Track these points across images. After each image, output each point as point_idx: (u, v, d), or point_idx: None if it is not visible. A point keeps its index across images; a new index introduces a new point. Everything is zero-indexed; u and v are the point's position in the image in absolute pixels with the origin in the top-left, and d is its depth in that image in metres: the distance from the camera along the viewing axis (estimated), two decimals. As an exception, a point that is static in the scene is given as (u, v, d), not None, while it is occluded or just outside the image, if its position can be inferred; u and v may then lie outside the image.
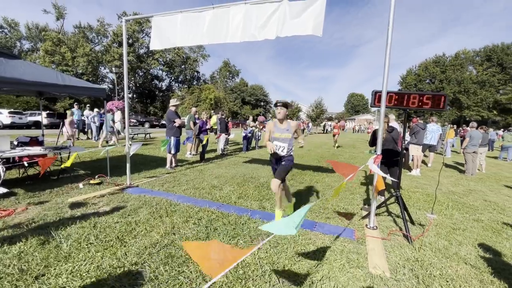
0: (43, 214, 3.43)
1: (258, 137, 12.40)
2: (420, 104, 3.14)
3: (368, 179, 6.41)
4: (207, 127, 8.99)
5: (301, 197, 4.65)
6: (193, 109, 8.56)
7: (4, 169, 4.16)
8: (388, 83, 3.07)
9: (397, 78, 59.68)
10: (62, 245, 2.65)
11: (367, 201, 4.58)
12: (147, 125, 27.31)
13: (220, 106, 43.14)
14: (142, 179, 5.52)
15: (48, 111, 23.24)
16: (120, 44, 40.09)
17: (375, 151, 3.28)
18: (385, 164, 4.54)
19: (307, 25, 3.29)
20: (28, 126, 19.84)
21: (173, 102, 6.72)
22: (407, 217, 3.28)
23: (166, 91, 51.03)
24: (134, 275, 2.23)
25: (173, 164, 6.74)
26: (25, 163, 4.92)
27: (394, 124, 5.56)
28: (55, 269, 2.27)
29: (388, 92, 3.15)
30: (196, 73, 54.17)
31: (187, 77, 52.73)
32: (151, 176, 5.81)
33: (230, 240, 2.91)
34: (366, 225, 3.40)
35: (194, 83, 52.68)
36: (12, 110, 20.50)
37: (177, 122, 6.53)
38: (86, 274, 2.20)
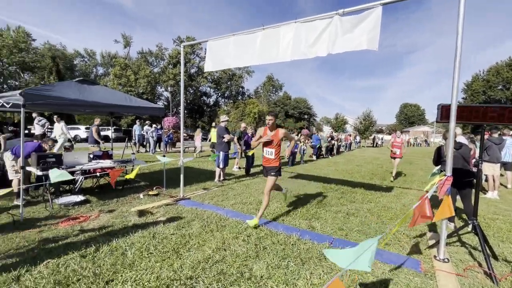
0: (111, 222, 3.84)
1: (303, 151, 12.17)
2: (502, 118, 2.70)
3: (433, 201, 5.69)
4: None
5: (354, 219, 4.34)
6: (243, 124, 8.85)
7: (83, 179, 4.81)
8: (457, 95, 2.74)
9: (460, 85, 53.26)
10: (127, 253, 2.90)
11: (432, 227, 4.05)
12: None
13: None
14: (193, 191, 5.82)
15: (115, 127, 26.50)
16: (175, 66, 44.25)
17: (440, 171, 2.91)
18: (453, 186, 3.98)
19: (361, 39, 3.18)
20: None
21: (223, 118, 7.06)
22: (488, 251, 2.78)
23: (213, 106, 54.08)
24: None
25: (221, 178, 6.98)
26: (98, 174, 5.63)
27: (461, 139, 4.90)
28: (121, 276, 2.48)
29: (460, 106, 2.80)
30: (241, 89, 56.41)
31: (232, 92, 55.22)
32: (201, 188, 6.10)
33: (280, 261, 2.83)
34: (435, 256, 2.98)
35: (239, 98, 54.80)
36: (87, 126, 23.99)
37: (226, 137, 6.81)
38: (147, 284, 2.35)
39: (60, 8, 68.73)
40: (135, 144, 13.84)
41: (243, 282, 2.42)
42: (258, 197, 5.50)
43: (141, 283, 2.36)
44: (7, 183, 4.70)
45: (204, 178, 7.31)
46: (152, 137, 13.32)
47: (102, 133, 24.50)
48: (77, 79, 5.30)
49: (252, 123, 40.00)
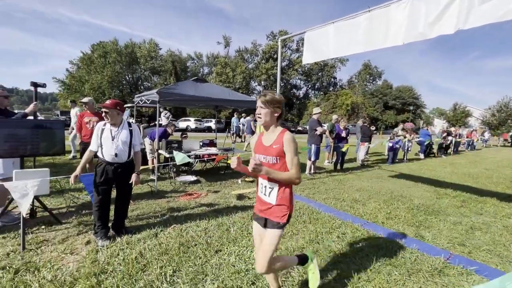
0: (217, 201, 4.45)
1: (408, 148, 10.55)
2: None
3: None
4: (344, 134, 8.55)
5: (482, 235, 3.48)
6: (334, 116, 8.44)
7: (197, 161, 5.74)
8: None
9: None
10: (230, 230, 3.30)
11: None
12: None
13: (357, 112, 40.45)
14: (285, 182, 6.01)
15: (216, 119, 30.25)
16: (267, 60, 46.13)
17: None
18: None
19: (510, 7, 2.43)
20: (203, 130, 26.72)
21: (315, 110, 6.92)
22: None
23: (302, 99, 53.66)
24: (285, 274, 2.42)
25: (312, 171, 6.91)
26: (205, 159, 6.58)
27: None
28: (227, 248, 2.85)
29: None
30: (333, 79, 53.56)
31: (323, 83, 53.13)
32: (292, 180, 6.23)
33: (380, 267, 2.60)
34: None
35: (331, 89, 52.23)
36: (196, 118, 28.37)
37: (319, 130, 6.66)
38: (248, 260, 2.62)
39: (177, 19, 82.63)
40: (233, 134, 15.41)
41: (339, 279, 2.36)
42: (352, 194, 5.17)
43: (243, 258, 2.65)
44: (146, 162, 6.15)
45: (294, 169, 7.41)
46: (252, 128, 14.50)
47: (206, 124, 28.22)
48: (192, 78, 6.29)
49: (344, 115, 37.55)
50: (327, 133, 8.15)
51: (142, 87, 42.15)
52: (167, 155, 5.34)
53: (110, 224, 3.09)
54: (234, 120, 15.06)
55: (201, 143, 6.96)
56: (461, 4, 2.73)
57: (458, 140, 15.28)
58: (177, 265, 2.48)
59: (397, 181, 6.57)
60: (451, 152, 14.05)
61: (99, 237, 2.87)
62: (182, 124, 26.06)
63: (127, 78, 40.88)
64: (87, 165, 3.08)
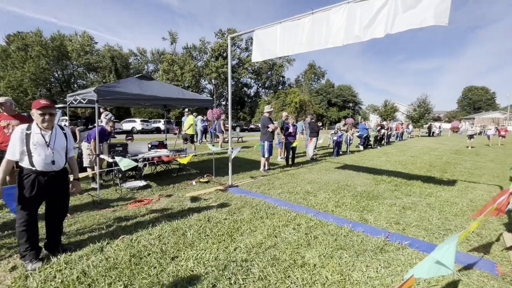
0: (170, 205, 4.21)
1: (349, 141, 11.61)
2: None
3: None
4: (292, 130, 8.88)
5: (411, 213, 4.03)
6: (284, 113, 8.77)
7: (146, 164, 5.34)
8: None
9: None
10: (187, 234, 3.16)
11: (509, 227, 3.55)
12: (238, 129, 29.78)
13: (305, 109, 42.88)
14: (240, 180, 6.03)
15: (165, 119, 28.66)
16: (217, 59, 45.50)
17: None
18: None
19: (427, 14, 2.84)
20: (151, 131, 25.04)
21: (267, 108, 7.09)
22: None
23: (254, 97, 54.56)
24: (246, 271, 2.42)
25: (266, 167, 7.08)
26: (155, 162, 6.19)
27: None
28: (184, 253, 2.72)
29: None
30: (281, 78, 55.68)
31: (273, 82, 54.86)
32: (248, 177, 6.28)
33: (332, 251, 2.80)
34: (515, 259, 2.63)
35: (280, 87, 54.22)
36: (142, 119, 26.40)
37: (270, 127, 6.84)
38: (207, 263, 2.55)
39: (116, 12, 75.63)
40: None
41: (296, 269, 2.46)
42: (304, 187, 5.46)
43: (201, 261, 2.57)
44: (83, 169, 5.47)
45: (249, 167, 7.50)
46: (200, 128, 14.10)
47: (155, 125, 26.60)
48: (137, 75, 5.81)
49: (293, 113, 39.41)
50: (278, 130, 8.44)
51: (75, 85, 37.44)
52: (110, 160, 4.85)
53: (42, 244, 2.67)
54: (185, 120, 14.46)
55: (149, 145, 6.50)
56: (389, 11, 3.09)
57: (389, 132, 17.46)
58: (129, 279, 2.27)
59: (343, 172, 7.18)
60: (384, 143, 15.98)
61: (27, 260, 2.44)
62: (126, 126, 24.00)
63: (56, 75, 35.86)
64: (8, 178, 2.59)
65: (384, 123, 18.36)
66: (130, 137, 6.45)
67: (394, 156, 10.76)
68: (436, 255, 1.41)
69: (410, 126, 27.33)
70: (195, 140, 15.29)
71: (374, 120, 43.69)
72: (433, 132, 29.38)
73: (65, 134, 2.69)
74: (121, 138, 9.16)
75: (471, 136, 14.88)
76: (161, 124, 25.37)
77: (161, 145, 6.72)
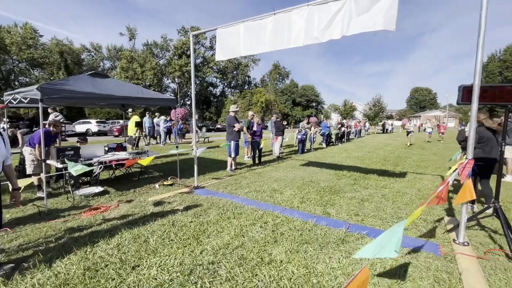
0: (131, 211, 3.95)
1: (312, 139, 12.08)
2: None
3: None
4: (256, 129, 8.89)
5: (369, 204, 4.33)
6: (250, 112, 8.80)
7: (102, 168, 4.94)
8: (480, 75, 2.64)
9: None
10: (149, 240, 3.00)
11: (449, 212, 4.01)
12: (204, 129, 29.20)
13: (271, 108, 43.63)
14: (207, 181, 5.90)
15: (124, 120, 26.92)
16: (180, 57, 44.03)
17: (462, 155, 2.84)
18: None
19: (377, 19, 3.06)
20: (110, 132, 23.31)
21: (233, 108, 7.05)
22: (511, 234, 2.74)
23: (220, 97, 53.97)
24: (213, 273, 2.37)
25: (233, 167, 7.04)
26: (113, 165, 5.78)
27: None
28: (146, 261, 2.57)
29: (483, 86, 2.70)
30: (247, 78, 55.92)
31: (239, 82, 54.83)
32: (214, 178, 6.18)
33: (298, 245, 2.88)
34: (454, 240, 2.97)
35: (246, 87, 54.41)
36: (98, 119, 24.44)
37: (236, 126, 6.82)
38: (172, 269, 2.44)
39: (63, 1, 68.78)
40: (145, 136, 14.02)
41: (263, 266, 2.48)
42: (271, 185, 5.54)
43: (165, 268, 2.45)
44: (27, 177, 4.87)
45: (216, 167, 7.39)
46: (163, 129, 13.49)
47: (113, 126, 24.70)
48: (89, 72, 5.35)
49: (259, 112, 39.85)
50: (244, 129, 8.45)
51: (16, 82, 33.29)
52: (60, 165, 4.39)
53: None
54: (146, 120, 13.72)
55: (106, 148, 6.04)
56: (344, 15, 3.27)
57: (349, 130, 18.58)
58: (82, 295, 2.07)
59: (307, 169, 7.44)
60: (345, 140, 16.96)
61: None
62: (80, 128, 21.99)
63: (-9, 71, 31.50)
64: None
65: (344, 121, 19.50)
66: (81, 139, 5.89)
67: (353, 152, 11.48)
68: (383, 240, 1.53)
69: (367, 124, 29.44)
70: (158, 141, 14.64)
71: (335, 118, 46.23)
72: (387, 129, 32.00)
73: (2, 139, 2.37)
74: (73, 140, 8.36)
75: (409, 133, 15.64)
76: (119, 126, 23.74)
77: (120, 147, 6.28)
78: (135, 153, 6.02)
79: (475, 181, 3.97)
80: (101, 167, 5.01)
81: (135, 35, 44.65)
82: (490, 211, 3.12)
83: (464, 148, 4.27)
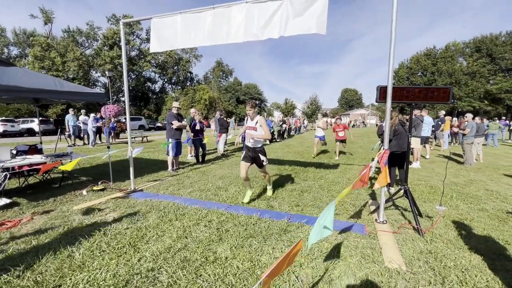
0: (50, 224, 3.38)
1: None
2: (426, 97, 3.17)
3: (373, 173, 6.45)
4: (198, 127, 8.67)
5: (308, 195, 4.67)
6: (192, 109, 8.48)
7: (8, 176, 4.08)
8: (392, 77, 3.09)
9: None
10: (74, 254, 2.61)
11: (373, 196, 4.62)
12: (142, 128, 27.03)
13: (215, 106, 43.01)
14: (145, 183, 5.47)
15: (41, 118, 22.86)
16: (111, 47, 39.58)
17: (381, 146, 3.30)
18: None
19: (311, 23, 3.29)
20: (21, 133, 19.48)
21: (175, 104, 6.69)
22: (416, 210, 3.31)
23: (159, 93, 50.63)
24: (153, 281, 2.21)
25: (175, 167, 6.69)
26: (25, 172, 4.86)
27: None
28: (70, 279, 2.23)
29: (394, 87, 3.16)
30: (189, 74, 53.81)
31: (180, 78, 52.34)
32: (154, 179, 5.76)
33: (243, 240, 2.90)
34: (376, 219, 3.43)
35: (188, 84, 52.35)
36: (3, 118, 20.14)
37: (174, 124, 6.46)
38: (103, 283, 2.17)
39: None
40: (69, 136, 12.19)
41: (208, 265, 2.42)
42: (216, 183, 5.46)
43: (95, 283, 2.17)
44: None
45: (156, 168, 6.91)
46: (92, 128, 11.91)
47: (25, 126, 20.93)
48: (-15, 58, 4.34)
49: (203, 110, 38.89)
50: (187, 127, 8.10)
51: None
52: None
53: None
54: (69, 118, 11.93)
55: (14, 151, 5.02)
56: (281, 15, 3.41)
57: (290, 127, 19.70)
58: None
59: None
60: (286, 137, 17.92)
61: None
62: (-24, 128, 17.80)
63: None
64: None
65: (286, 118, 20.58)
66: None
67: (294, 148, 12.21)
68: (320, 221, 1.68)
69: (306, 121, 31.70)
70: (86, 142, 12.88)
71: (277, 116, 48.47)
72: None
73: None
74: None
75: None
76: (34, 125, 20.09)
77: (33, 150, 5.29)
78: (55, 155, 5.16)
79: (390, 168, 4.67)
80: (6, 175, 4.13)
81: (52, 19, 38.20)
82: (402, 192, 3.71)
83: (383, 141, 4.95)
